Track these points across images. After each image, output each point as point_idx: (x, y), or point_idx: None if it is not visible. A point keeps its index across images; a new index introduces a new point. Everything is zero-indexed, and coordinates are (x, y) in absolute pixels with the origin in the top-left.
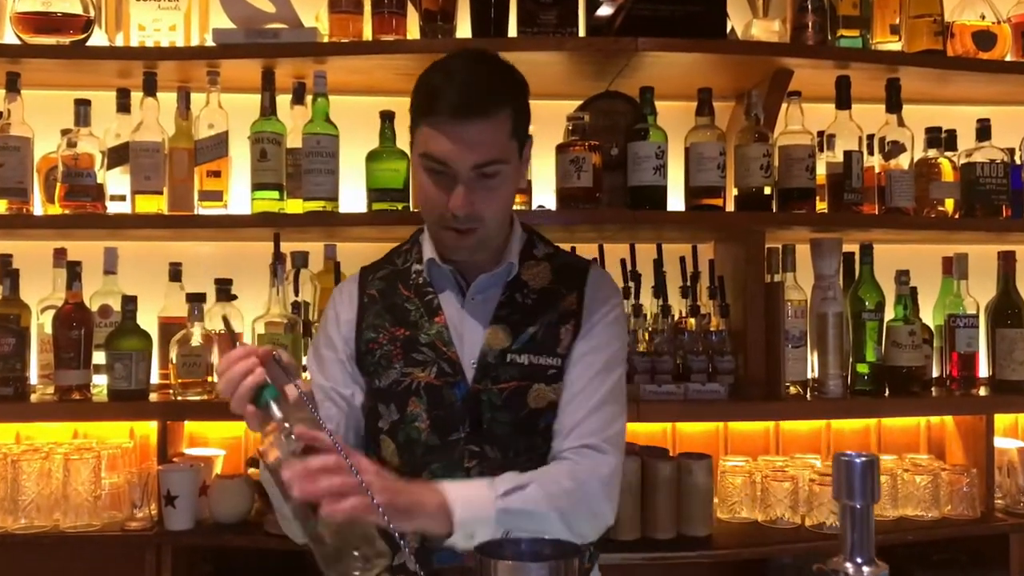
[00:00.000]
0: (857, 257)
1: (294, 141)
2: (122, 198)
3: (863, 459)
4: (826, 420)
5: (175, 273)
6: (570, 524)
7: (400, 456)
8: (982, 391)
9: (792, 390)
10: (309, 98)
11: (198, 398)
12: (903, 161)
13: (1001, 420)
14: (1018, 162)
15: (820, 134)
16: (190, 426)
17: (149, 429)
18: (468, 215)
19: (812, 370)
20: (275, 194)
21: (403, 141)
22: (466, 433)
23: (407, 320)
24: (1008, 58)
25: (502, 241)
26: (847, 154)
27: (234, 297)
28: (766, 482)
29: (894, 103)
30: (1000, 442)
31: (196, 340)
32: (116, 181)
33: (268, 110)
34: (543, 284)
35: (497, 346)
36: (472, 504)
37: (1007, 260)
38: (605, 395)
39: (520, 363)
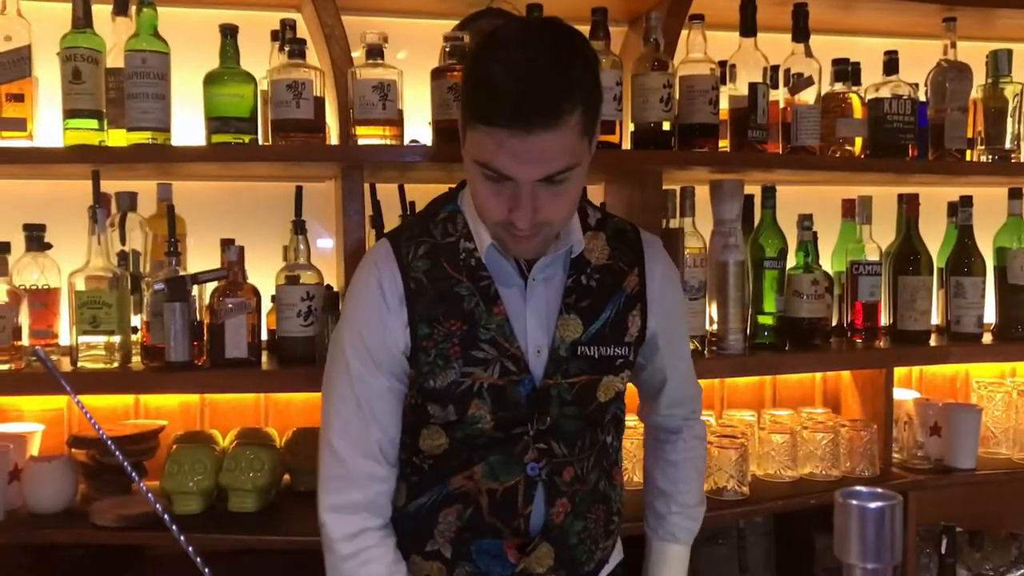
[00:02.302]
0: (758, 200)
1: (116, 60)
2: None
3: (881, 503)
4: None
5: None
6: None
7: (452, 447)
8: (882, 343)
9: (690, 346)
10: (133, 8)
11: (4, 367)
12: (809, 96)
13: (897, 370)
14: (923, 99)
15: (722, 64)
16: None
17: None
18: (534, 224)
19: (710, 323)
20: (93, 123)
21: (248, 61)
22: (533, 429)
23: (461, 310)
24: None
25: None
26: (752, 86)
27: (48, 246)
28: None
29: (801, 30)
30: (897, 393)
31: (1, 298)
32: None
33: (82, 21)
34: (603, 260)
35: (569, 337)
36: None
37: (910, 203)
38: (690, 358)
39: (590, 356)
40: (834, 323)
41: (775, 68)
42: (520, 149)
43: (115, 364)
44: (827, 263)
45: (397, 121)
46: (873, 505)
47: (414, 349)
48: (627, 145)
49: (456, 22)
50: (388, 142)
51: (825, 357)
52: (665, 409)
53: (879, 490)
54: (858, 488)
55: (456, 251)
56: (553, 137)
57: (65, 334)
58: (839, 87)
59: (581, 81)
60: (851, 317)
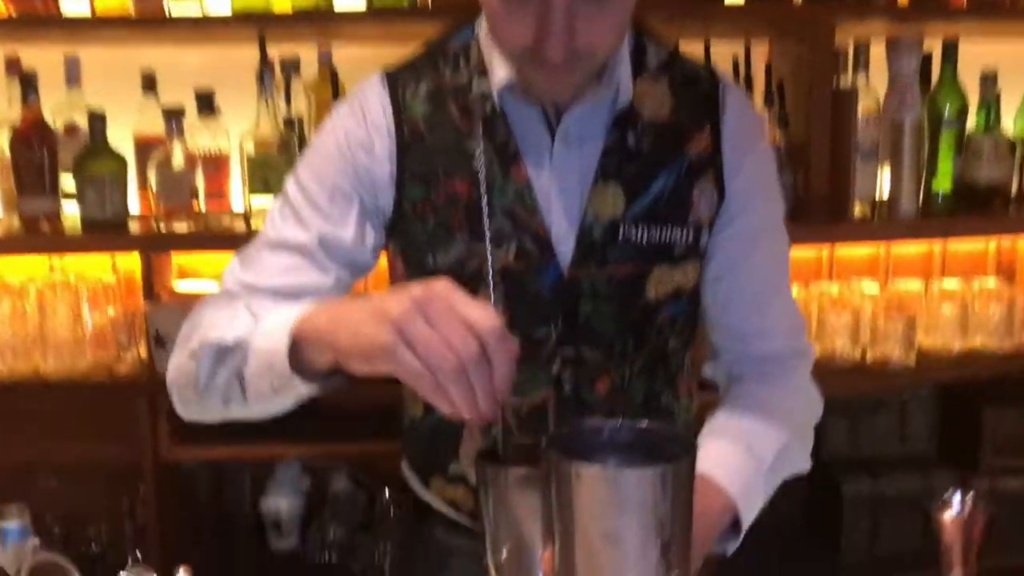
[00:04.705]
0: (937, 57)
1: None
2: None
3: None
4: (892, 241)
5: (148, 83)
6: (808, 444)
7: None
8: None
9: (859, 210)
10: None
11: (184, 227)
12: None
13: None
14: None
15: None
16: (179, 257)
17: (133, 263)
18: (569, 51)
19: (881, 189)
20: None
21: None
22: (557, 331)
23: (469, 169)
24: None
25: None
26: None
27: (217, 111)
28: (822, 315)
29: None
30: None
31: (178, 161)
32: None
33: None
34: (663, 115)
35: (606, 214)
36: (749, 492)
37: None
38: (787, 272)
39: (637, 239)
40: (1015, 189)
41: None
42: None
43: None
44: (1009, 125)
45: None
46: None
47: (400, 217)
48: None
49: None
50: None
51: (1003, 222)
52: (758, 337)
53: None
54: None
55: (466, 94)
56: None
57: (236, 198)
58: None
59: None
60: None
